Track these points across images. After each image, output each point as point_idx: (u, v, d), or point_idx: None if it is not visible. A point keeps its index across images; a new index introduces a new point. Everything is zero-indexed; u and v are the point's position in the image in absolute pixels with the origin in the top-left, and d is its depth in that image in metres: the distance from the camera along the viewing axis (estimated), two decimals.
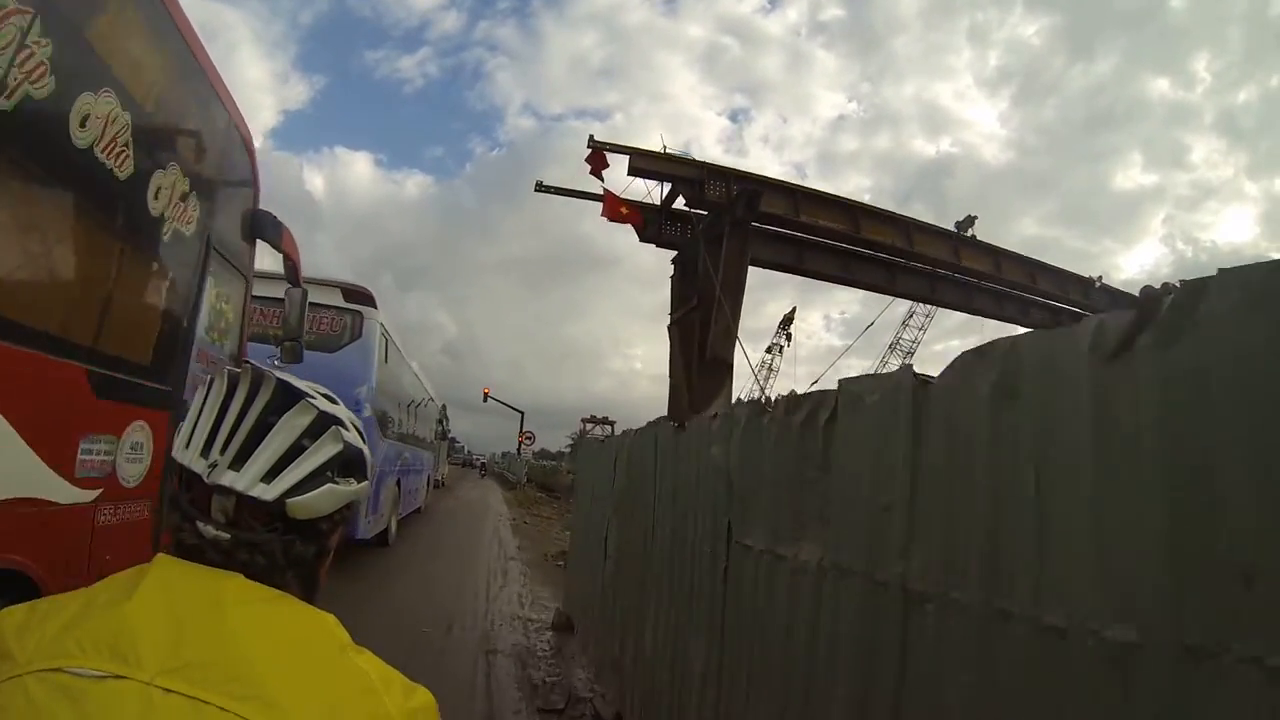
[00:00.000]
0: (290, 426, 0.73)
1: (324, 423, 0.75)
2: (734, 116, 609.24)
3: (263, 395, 0.74)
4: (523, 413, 38.49)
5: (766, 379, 54.87)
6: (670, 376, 10.97)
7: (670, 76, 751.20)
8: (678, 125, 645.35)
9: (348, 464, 0.77)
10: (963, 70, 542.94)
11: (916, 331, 46.09)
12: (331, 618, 0.71)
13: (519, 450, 37.83)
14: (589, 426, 61.32)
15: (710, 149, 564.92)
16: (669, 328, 11.15)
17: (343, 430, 0.76)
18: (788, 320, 53.01)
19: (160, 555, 0.71)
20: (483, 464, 61.82)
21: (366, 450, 0.80)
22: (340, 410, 0.80)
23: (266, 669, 0.61)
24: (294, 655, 0.64)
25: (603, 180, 10.56)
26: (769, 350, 54.35)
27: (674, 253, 11.80)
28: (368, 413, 7.19)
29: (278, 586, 0.71)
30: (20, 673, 0.60)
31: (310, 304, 4.04)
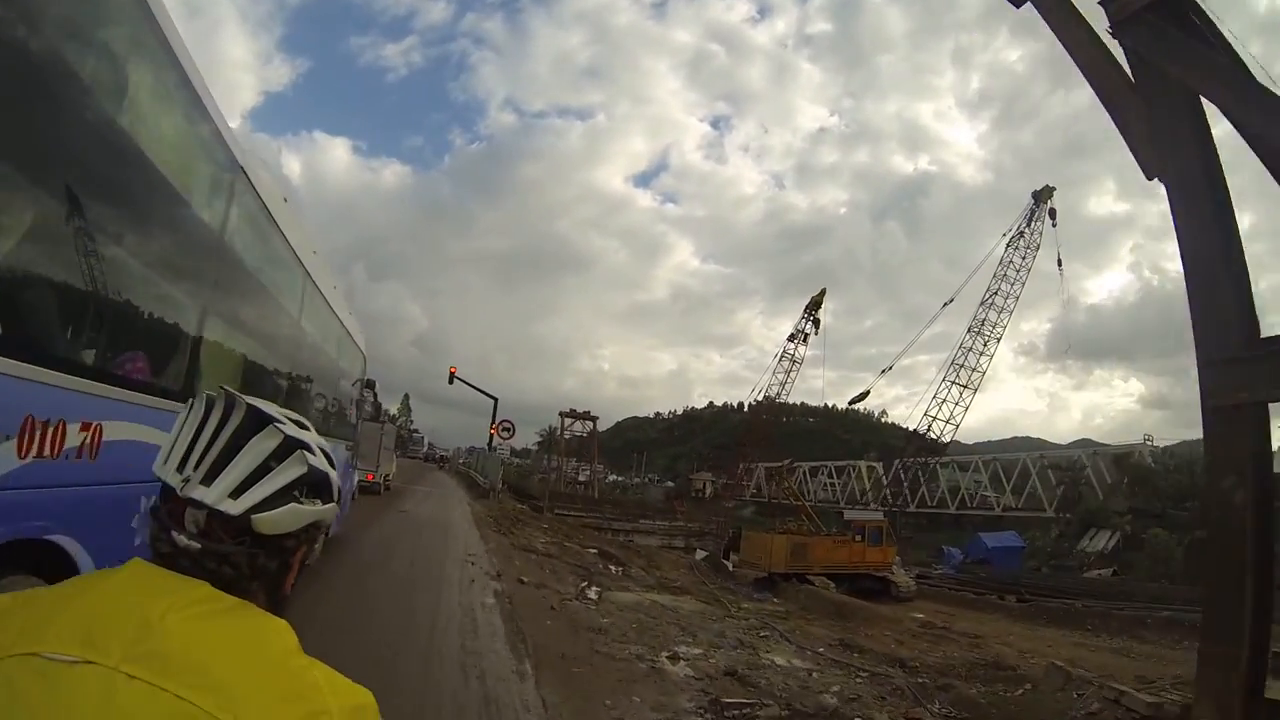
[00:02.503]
0: (257, 449, 0.81)
1: (289, 446, 0.83)
2: (716, 124, 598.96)
3: (234, 419, 0.83)
4: (496, 399, 29.66)
5: (788, 372, 47.63)
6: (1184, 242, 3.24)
7: (655, 80, 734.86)
8: (660, 129, 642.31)
9: (314, 485, 0.85)
10: (945, 91, 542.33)
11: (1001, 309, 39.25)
12: (283, 623, 0.78)
13: (491, 445, 28.67)
14: (569, 422, 53.11)
15: (690, 155, 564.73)
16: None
17: (308, 454, 0.84)
18: (815, 304, 46.22)
19: (135, 559, 0.79)
20: (441, 457, 62.68)
21: (333, 474, 0.88)
22: (309, 435, 0.88)
23: (220, 663, 0.68)
24: (245, 654, 0.71)
25: None
26: (791, 339, 47.33)
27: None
28: None
29: (243, 596, 0.78)
30: (1, 656, 0.67)
31: None
